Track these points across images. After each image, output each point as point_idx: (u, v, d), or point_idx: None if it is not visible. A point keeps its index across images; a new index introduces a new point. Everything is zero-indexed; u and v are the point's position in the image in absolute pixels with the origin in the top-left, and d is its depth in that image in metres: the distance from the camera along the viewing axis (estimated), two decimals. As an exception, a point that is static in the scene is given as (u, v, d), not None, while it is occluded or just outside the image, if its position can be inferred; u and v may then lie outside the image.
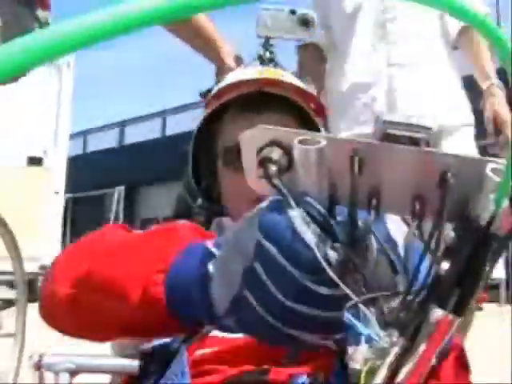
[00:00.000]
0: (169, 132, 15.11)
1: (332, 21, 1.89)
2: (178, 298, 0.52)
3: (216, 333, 0.65)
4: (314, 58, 1.93)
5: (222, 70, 1.15)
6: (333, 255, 0.43)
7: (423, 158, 0.46)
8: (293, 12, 1.08)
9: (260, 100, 0.82)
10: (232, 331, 0.51)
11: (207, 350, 0.70)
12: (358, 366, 0.40)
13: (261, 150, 0.46)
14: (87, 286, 0.58)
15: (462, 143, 1.84)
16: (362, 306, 0.41)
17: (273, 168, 0.44)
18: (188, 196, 0.93)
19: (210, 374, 0.69)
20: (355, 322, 0.40)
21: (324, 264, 0.41)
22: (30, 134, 5.37)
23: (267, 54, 1.02)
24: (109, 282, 0.56)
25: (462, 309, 0.40)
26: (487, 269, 0.41)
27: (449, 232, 0.44)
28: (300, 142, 0.45)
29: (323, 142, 0.46)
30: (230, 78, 0.88)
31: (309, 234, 0.43)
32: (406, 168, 0.47)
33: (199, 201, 0.90)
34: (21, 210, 4.37)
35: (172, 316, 0.53)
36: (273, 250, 0.43)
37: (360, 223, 0.44)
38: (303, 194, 0.45)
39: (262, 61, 0.99)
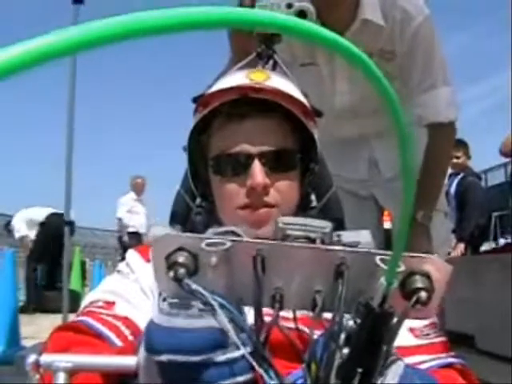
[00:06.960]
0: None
1: None
2: None
3: None
4: None
5: None
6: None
7: (319, 254, 0.51)
8: (289, 6, 1.07)
9: (244, 107, 0.82)
10: None
11: None
12: None
13: (169, 255, 0.49)
14: None
15: None
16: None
17: (181, 270, 0.47)
18: (187, 196, 0.92)
19: None
20: None
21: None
22: None
23: (266, 51, 0.99)
24: None
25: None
26: (385, 348, 0.44)
27: (348, 321, 0.47)
28: (207, 244, 0.49)
29: (227, 245, 0.49)
30: (217, 85, 0.86)
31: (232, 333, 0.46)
32: (305, 265, 0.51)
33: (198, 201, 0.89)
34: None
35: None
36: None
37: None
38: (213, 294, 0.47)
39: (261, 58, 0.96)
